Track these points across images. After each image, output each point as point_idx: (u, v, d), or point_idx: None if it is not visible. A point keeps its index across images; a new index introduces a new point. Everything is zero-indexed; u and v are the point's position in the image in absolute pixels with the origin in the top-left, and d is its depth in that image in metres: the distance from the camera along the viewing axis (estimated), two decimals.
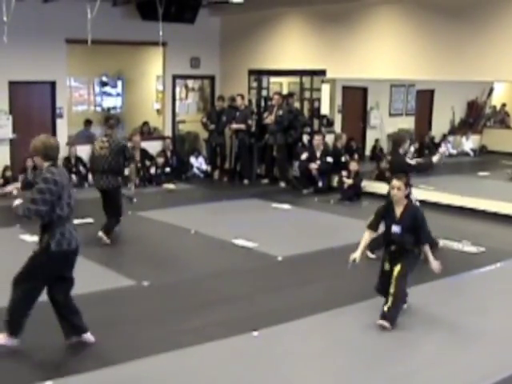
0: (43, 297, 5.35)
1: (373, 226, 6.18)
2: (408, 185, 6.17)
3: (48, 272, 5.20)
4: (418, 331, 5.90)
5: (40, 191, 4.95)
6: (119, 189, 8.74)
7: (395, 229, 5.98)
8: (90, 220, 9.76)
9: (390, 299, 5.82)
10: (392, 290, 5.83)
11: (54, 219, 5.07)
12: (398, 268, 5.89)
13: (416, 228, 5.95)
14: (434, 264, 5.97)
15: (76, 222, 9.45)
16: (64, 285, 5.35)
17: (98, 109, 16.65)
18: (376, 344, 5.63)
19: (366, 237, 6.18)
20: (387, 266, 6.04)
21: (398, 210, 6.04)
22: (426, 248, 6.00)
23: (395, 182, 6.04)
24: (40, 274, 5.17)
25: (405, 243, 5.95)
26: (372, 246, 7.16)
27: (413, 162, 8.14)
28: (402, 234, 5.95)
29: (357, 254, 6.03)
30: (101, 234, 8.59)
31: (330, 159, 12.67)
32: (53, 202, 5.01)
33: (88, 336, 5.45)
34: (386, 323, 5.79)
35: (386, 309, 5.83)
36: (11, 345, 5.24)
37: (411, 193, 7.96)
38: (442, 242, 8.54)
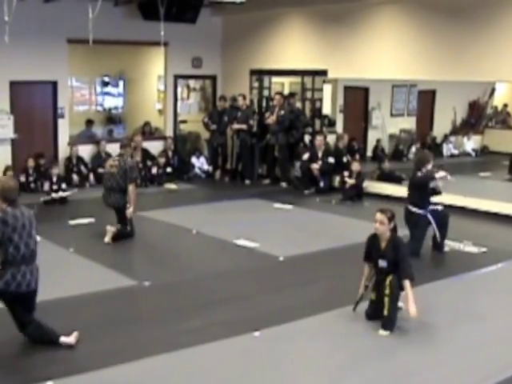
0: None
1: (368, 258, 6.19)
2: (392, 219, 6.03)
3: None
4: (418, 331, 5.90)
5: None
6: (125, 206, 8.91)
7: (381, 263, 5.99)
8: (91, 220, 9.80)
9: (387, 301, 5.80)
10: (387, 291, 5.81)
11: (8, 258, 5.12)
12: (390, 277, 5.85)
13: (397, 261, 5.90)
14: (412, 309, 5.75)
15: (77, 221, 9.68)
16: (17, 323, 5.31)
17: (100, 109, 16.67)
18: (377, 344, 5.62)
19: (366, 271, 6.22)
20: (373, 296, 6.04)
21: (383, 244, 6.03)
22: (407, 284, 5.83)
23: (378, 216, 6.00)
24: None
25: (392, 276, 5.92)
26: None
27: (432, 184, 8.26)
28: (388, 267, 5.93)
29: (361, 290, 6.18)
30: (109, 227, 8.71)
31: (331, 159, 12.65)
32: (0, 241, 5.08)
33: (63, 339, 5.36)
34: (386, 333, 5.76)
35: (385, 312, 5.81)
36: None
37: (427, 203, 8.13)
38: (446, 245, 8.51)
